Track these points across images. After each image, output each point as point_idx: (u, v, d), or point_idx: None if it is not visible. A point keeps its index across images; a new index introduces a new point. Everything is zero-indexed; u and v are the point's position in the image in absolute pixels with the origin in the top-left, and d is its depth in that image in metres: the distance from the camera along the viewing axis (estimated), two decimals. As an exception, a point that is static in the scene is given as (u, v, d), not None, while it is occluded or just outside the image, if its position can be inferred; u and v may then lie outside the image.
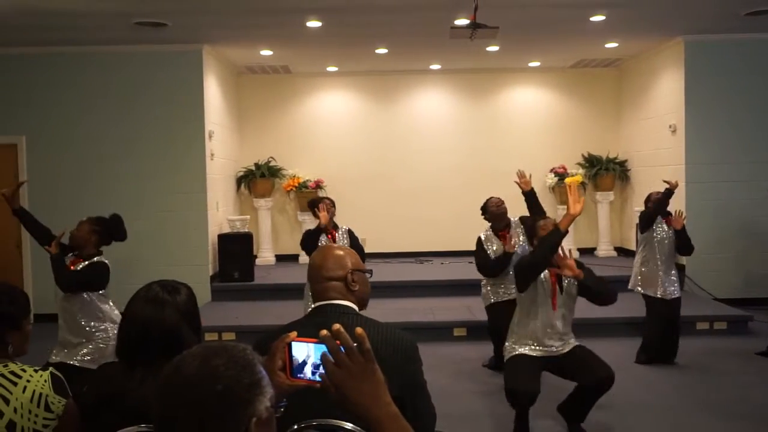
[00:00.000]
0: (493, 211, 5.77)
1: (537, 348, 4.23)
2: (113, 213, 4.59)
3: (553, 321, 4.21)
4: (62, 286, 4.29)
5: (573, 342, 4.29)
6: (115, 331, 4.19)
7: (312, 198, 5.80)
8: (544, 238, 4.12)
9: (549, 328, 4.22)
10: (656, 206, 5.87)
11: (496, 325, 5.63)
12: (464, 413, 4.81)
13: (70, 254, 4.46)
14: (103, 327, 4.36)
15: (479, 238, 5.78)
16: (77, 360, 4.28)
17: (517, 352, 4.26)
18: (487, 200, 5.88)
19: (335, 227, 5.62)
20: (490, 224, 5.83)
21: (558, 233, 4.02)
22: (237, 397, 1.12)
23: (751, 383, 5.45)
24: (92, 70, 8.02)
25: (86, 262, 4.36)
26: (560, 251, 4.12)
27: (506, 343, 4.41)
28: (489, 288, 5.77)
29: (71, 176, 7.96)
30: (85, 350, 4.31)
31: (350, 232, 5.68)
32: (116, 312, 4.42)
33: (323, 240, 5.44)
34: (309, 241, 5.39)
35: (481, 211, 5.91)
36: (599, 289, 4.15)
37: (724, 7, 6.76)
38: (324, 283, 2.22)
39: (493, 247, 5.67)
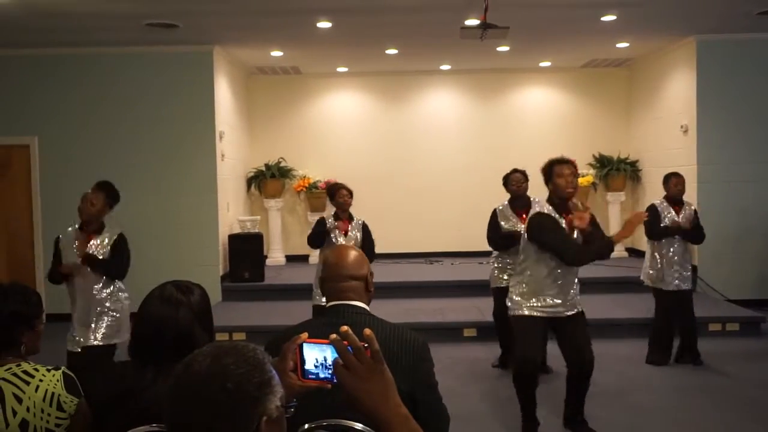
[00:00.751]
0: (513, 190, 5.78)
1: (541, 307, 4.18)
2: (102, 180, 4.71)
3: (555, 270, 4.14)
4: (120, 276, 4.55)
5: (578, 307, 4.25)
6: (125, 295, 4.45)
7: (332, 185, 5.78)
8: (597, 249, 4.07)
9: (551, 279, 4.15)
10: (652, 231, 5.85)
11: (502, 310, 5.62)
12: (474, 414, 4.81)
13: (73, 227, 4.60)
14: (114, 290, 4.56)
15: (494, 210, 5.78)
16: (99, 340, 4.45)
17: (524, 312, 4.20)
18: (510, 174, 5.84)
19: (350, 218, 5.60)
20: (509, 198, 5.82)
21: (611, 246, 4.05)
22: (247, 395, 1.13)
23: (764, 385, 5.41)
24: (103, 71, 8.09)
25: (107, 241, 4.54)
26: (580, 205, 4.08)
27: (511, 292, 4.34)
28: (497, 270, 5.78)
29: (82, 176, 7.92)
30: (102, 327, 4.47)
31: (364, 226, 5.65)
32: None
33: (336, 234, 5.48)
34: (318, 236, 5.46)
35: (502, 181, 5.89)
36: (598, 245, 4.09)
37: (736, 7, 6.75)
38: (344, 282, 2.23)
39: (507, 224, 5.67)
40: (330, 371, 1.33)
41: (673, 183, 5.90)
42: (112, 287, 4.54)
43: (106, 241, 4.52)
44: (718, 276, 7.96)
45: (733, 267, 7.97)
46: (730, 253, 7.97)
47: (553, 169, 4.16)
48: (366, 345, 1.25)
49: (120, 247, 4.54)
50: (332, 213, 5.66)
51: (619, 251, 9.81)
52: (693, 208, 6.00)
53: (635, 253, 9.64)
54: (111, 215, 4.66)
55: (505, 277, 5.66)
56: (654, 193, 6.42)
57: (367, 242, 5.59)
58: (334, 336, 1.25)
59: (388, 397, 1.25)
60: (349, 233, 5.54)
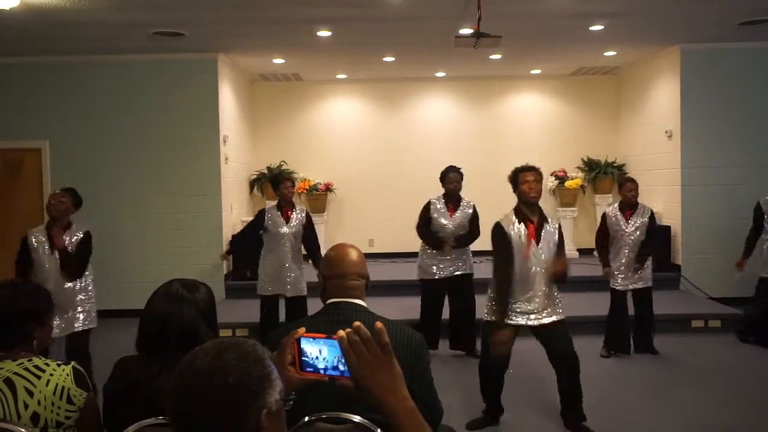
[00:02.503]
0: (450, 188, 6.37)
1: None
2: (67, 187, 5.13)
3: (527, 273, 4.24)
4: (82, 271, 4.93)
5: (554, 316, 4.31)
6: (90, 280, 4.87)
7: (276, 174, 6.32)
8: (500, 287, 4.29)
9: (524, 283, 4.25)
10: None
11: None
12: (467, 407, 4.91)
13: (47, 225, 4.96)
14: (85, 284, 4.99)
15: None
16: (80, 327, 4.93)
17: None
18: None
19: (292, 207, 6.19)
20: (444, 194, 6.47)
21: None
22: (248, 389, 1.16)
23: (745, 378, 5.61)
24: (112, 78, 8.28)
25: (75, 239, 4.91)
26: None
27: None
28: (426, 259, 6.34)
29: (91, 179, 8.17)
30: (81, 317, 4.92)
31: (308, 215, 6.20)
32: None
33: (278, 217, 6.03)
34: (247, 233, 6.22)
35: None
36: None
37: (720, 17, 6.92)
38: (351, 280, 2.29)
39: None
40: (327, 364, 1.36)
41: (627, 188, 6.12)
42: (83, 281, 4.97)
43: (76, 241, 4.92)
44: (702, 275, 8.20)
45: (716, 266, 8.16)
46: (713, 253, 8.21)
47: (518, 177, 4.29)
48: (375, 338, 1.27)
49: (85, 240, 4.93)
50: (275, 204, 6.28)
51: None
52: (650, 211, 6.15)
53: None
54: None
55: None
56: (640, 195, 6.65)
57: (310, 232, 6.18)
58: (341, 333, 1.26)
59: (396, 390, 1.27)
60: (292, 221, 6.12)
